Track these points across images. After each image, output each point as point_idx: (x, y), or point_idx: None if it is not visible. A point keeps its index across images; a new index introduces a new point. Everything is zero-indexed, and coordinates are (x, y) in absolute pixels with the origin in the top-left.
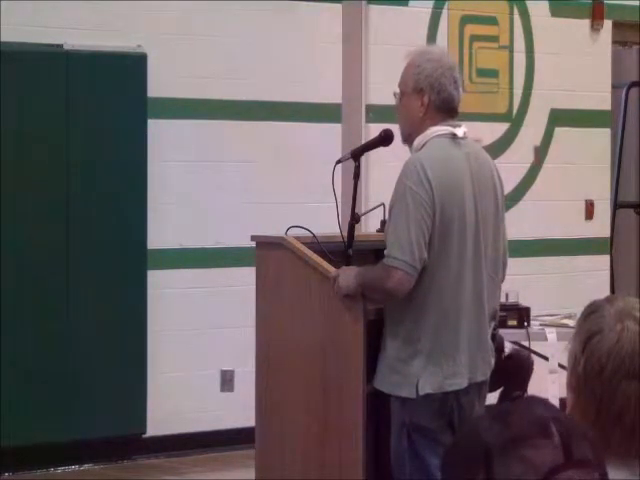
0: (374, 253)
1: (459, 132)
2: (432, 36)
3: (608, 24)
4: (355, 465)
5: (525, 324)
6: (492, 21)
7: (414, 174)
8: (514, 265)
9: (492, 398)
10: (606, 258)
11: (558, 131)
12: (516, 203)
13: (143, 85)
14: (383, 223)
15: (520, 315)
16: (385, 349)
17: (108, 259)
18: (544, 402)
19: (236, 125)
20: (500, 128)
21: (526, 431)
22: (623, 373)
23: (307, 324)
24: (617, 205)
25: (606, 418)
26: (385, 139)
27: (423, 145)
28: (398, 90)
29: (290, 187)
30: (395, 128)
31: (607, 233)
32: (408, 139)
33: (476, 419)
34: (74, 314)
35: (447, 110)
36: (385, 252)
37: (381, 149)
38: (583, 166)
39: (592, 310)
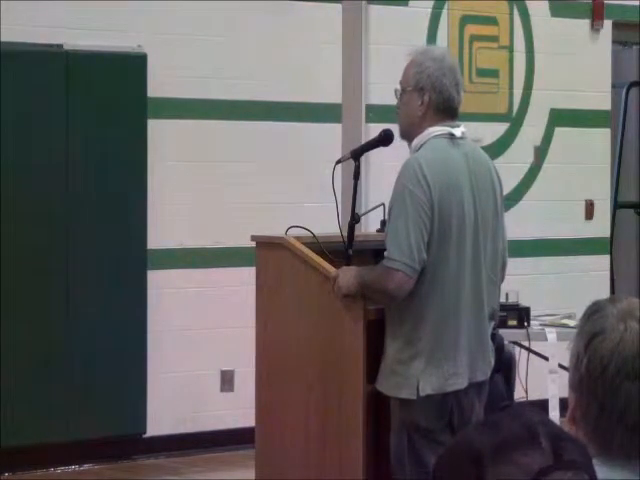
0: (374, 253)
1: (457, 132)
2: (432, 36)
3: (608, 24)
4: (355, 465)
5: (525, 324)
6: (492, 21)
7: (412, 175)
8: (514, 265)
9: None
10: (606, 258)
11: (558, 131)
12: (516, 203)
13: (143, 85)
14: (383, 223)
15: (520, 315)
16: (386, 350)
17: (108, 259)
18: (531, 408)
19: (236, 125)
20: (500, 128)
21: (515, 435)
22: (625, 373)
23: (307, 324)
24: (617, 205)
25: (608, 418)
26: (385, 139)
27: (421, 146)
28: (399, 87)
29: (290, 187)
30: (395, 128)
31: (607, 233)
32: (406, 136)
33: (466, 428)
34: (74, 314)
35: (447, 111)
36: (385, 253)
37: (381, 149)
38: (583, 166)
39: (595, 310)
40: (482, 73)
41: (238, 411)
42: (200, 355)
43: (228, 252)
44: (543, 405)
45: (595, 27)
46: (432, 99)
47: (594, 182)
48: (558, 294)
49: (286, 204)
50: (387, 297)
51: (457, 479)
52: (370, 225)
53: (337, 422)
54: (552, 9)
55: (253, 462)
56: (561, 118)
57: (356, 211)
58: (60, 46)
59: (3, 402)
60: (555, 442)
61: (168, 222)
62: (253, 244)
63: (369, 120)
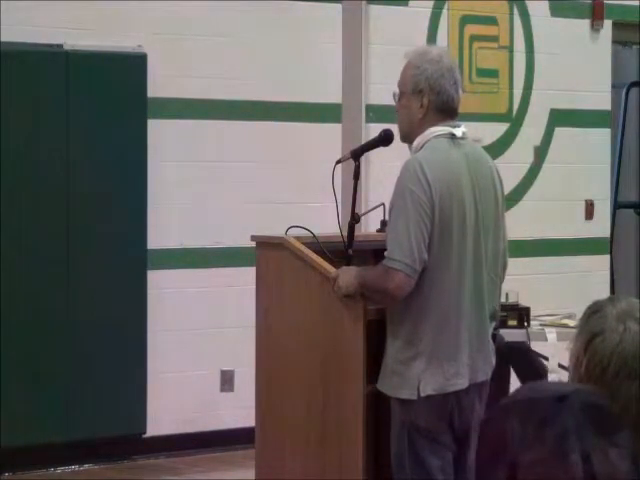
0: (374, 253)
1: (458, 132)
2: (432, 36)
3: (608, 24)
4: (355, 465)
5: (525, 324)
6: (492, 21)
7: (413, 175)
8: (514, 265)
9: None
10: (606, 258)
11: (558, 131)
12: (516, 203)
13: (143, 85)
14: (383, 223)
15: (520, 315)
16: (386, 350)
17: (108, 259)
18: (584, 406)
19: (236, 125)
20: (500, 128)
21: (548, 444)
22: (625, 374)
23: (307, 324)
24: (617, 205)
25: None
26: (385, 139)
27: (422, 146)
28: (397, 91)
29: (290, 187)
30: (395, 128)
31: (607, 233)
32: (407, 138)
33: (510, 410)
34: (74, 314)
35: (447, 111)
36: (385, 254)
37: (381, 149)
38: (583, 166)
39: (594, 310)
40: (482, 73)
41: (238, 411)
42: (200, 355)
43: (228, 252)
44: None
45: (595, 27)
46: (431, 100)
47: (594, 182)
48: (558, 294)
49: (286, 204)
50: (387, 297)
51: (488, 471)
52: (370, 225)
53: (337, 422)
54: (552, 9)
55: (253, 462)
56: (561, 118)
57: (356, 211)
58: (60, 46)
59: (3, 402)
60: (586, 454)
61: (168, 222)
62: (253, 244)
63: (369, 120)
